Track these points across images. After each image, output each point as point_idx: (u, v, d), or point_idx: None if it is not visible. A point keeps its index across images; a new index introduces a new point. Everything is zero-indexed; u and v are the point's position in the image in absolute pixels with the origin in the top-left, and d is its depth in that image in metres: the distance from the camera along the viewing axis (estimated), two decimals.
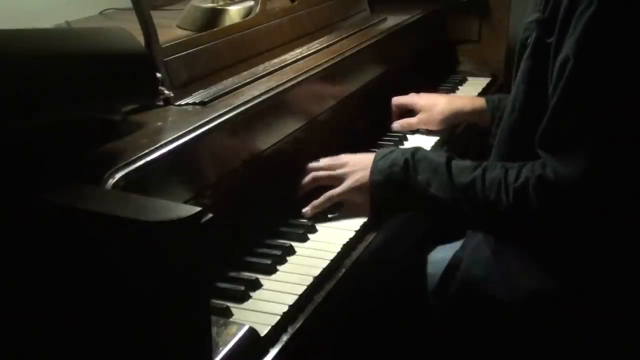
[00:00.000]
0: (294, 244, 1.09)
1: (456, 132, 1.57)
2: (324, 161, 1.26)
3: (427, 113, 1.54)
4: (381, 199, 1.17)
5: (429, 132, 1.54)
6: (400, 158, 1.16)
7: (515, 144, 1.12)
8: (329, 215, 1.18)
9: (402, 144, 1.50)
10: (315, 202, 1.19)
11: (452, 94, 1.83)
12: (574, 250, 1.03)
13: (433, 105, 1.54)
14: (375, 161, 1.18)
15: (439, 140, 1.51)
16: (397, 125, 1.55)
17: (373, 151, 1.45)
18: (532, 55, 1.07)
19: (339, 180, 1.21)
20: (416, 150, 1.17)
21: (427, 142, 1.50)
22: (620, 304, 1.04)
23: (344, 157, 1.25)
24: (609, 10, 0.94)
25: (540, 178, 0.98)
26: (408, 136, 1.54)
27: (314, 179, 1.23)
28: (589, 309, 1.05)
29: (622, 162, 0.95)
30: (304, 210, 1.18)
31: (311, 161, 1.27)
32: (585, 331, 1.06)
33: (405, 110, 1.59)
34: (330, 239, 1.12)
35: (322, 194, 1.21)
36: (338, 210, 1.20)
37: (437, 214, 1.17)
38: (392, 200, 1.17)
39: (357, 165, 1.21)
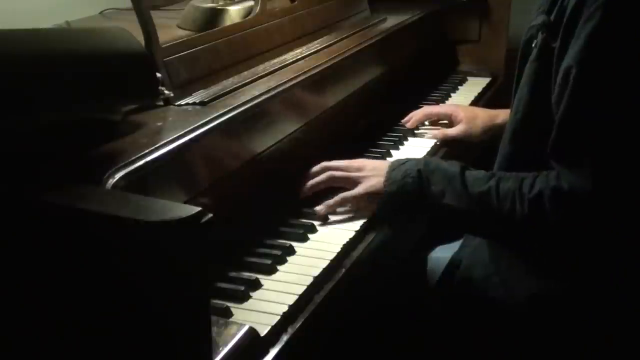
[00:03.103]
0: (294, 244, 1.09)
1: (449, 144, 1.54)
2: (339, 162, 1.26)
3: (467, 125, 1.51)
4: (395, 208, 1.17)
5: (420, 142, 1.53)
6: (413, 169, 1.15)
7: (518, 144, 1.12)
8: (329, 216, 1.18)
9: (402, 144, 1.50)
10: (330, 202, 1.18)
11: (452, 96, 1.83)
12: (581, 255, 1.04)
13: (474, 117, 1.52)
14: (388, 172, 1.17)
15: (429, 152, 1.48)
16: (430, 135, 1.53)
17: (374, 151, 1.46)
18: (538, 58, 1.07)
19: (354, 182, 1.21)
20: (429, 160, 1.16)
21: (425, 144, 1.49)
22: (622, 307, 1.04)
23: (361, 162, 1.25)
24: (613, 20, 0.94)
25: (554, 189, 0.99)
26: (408, 137, 1.53)
27: (331, 178, 1.23)
28: (589, 312, 1.05)
29: (633, 171, 0.96)
30: (317, 208, 1.18)
31: (311, 161, 1.27)
32: (586, 334, 1.06)
33: (428, 119, 1.58)
34: (330, 239, 1.12)
35: (322, 195, 1.21)
36: (339, 209, 1.20)
37: (451, 223, 1.17)
38: (406, 209, 1.17)
39: (373, 171, 1.21)
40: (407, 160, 1.20)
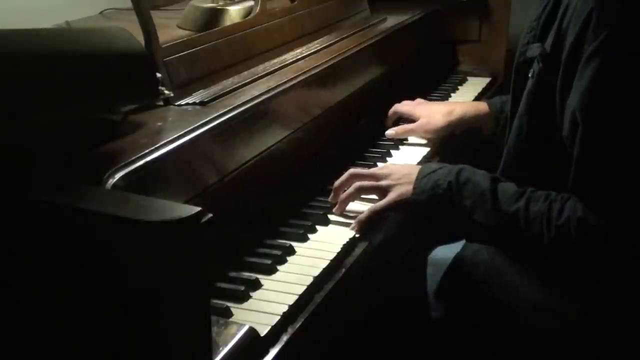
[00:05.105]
0: (294, 244, 1.09)
1: (448, 142, 1.54)
2: (366, 170, 1.23)
3: (426, 119, 1.50)
4: (423, 218, 1.15)
5: (421, 141, 1.52)
6: (444, 179, 1.11)
7: (525, 170, 1.11)
8: (329, 215, 1.18)
9: (402, 144, 1.50)
10: (361, 217, 1.15)
11: (452, 96, 1.83)
12: (599, 278, 1.03)
13: (432, 113, 1.51)
14: (418, 179, 1.14)
15: (429, 151, 1.47)
16: (392, 132, 1.51)
17: (374, 151, 1.45)
18: (536, 90, 1.06)
19: (383, 191, 1.18)
20: (461, 170, 1.13)
21: (419, 152, 1.47)
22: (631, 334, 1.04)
23: (389, 167, 1.22)
24: (616, 59, 0.93)
25: (580, 220, 0.98)
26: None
27: (359, 189, 1.19)
28: (595, 330, 1.05)
29: None
30: (351, 227, 1.15)
31: (310, 160, 1.27)
32: (587, 342, 1.06)
33: (401, 118, 1.57)
34: (330, 239, 1.12)
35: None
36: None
37: (479, 238, 1.15)
38: (434, 219, 1.15)
39: (401, 179, 1.17)
40: (439, 167, 1.16)
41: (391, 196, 1.16)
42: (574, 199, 1.01)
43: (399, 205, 1.16)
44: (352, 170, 1.22)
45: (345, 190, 1.21)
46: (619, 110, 0.95)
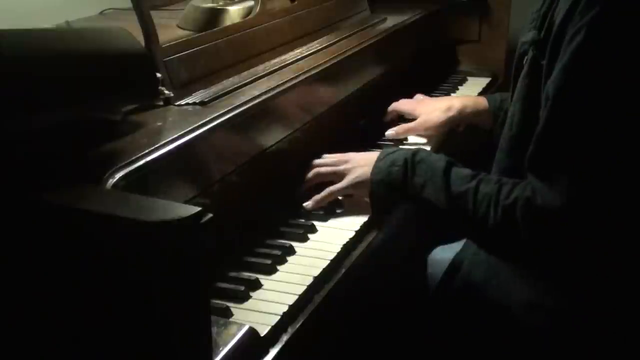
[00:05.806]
0: (294, 244, 1.09)
1: (448, 140, 1.54)
2: (328, 157, 1.27)
3: (425, 117, 1.51)
4: (380, 196, 1.18)
5: (424, 137, 1.52)
6: (400, 158, 1.16)
7: (514, 159, 1.11)
8: (329, 215, 1.18)
9: (402, 144, 1.50)
10: (317, 197, 1.19)
11: (452, 95, 1.83)
12: (565, 268, 1.04)
13: (431, 110, 1.52)
14: (377, 161, 1.19)
15: (433, 146, 1.48)
16: (392, 132, 1.50)
17: (377, 150, 1.45)
18: (528, 75, 1.07)
19: (341, 176, 1.22)
20: (417, 151, 1.17)
21: (426, 142, 1.49)
22: (614, 326, 1.04)
23: (348, 155, 1.26)
24: (596, 41, 0.94)
25: (527, 200, 0.98)
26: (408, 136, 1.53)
27: (317, 175, 1.24)
28: (583, 327, 1.05)
29: (606, 190, 0.95)
30: (305, 204, 1.19)
31: (310, 160, 1.27)
32: (583, 344, 1.06)
33: (400, 117, 1.58)
34: (330, 239, 1.12)
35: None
36: (338, 209, 1.20)
37: (430, 216, 1.17)
38: (389, 198, 1.18)
39: (359, 162, 1.22)
40: (397, 149, 1.21)
41: (348, 178, 1.21)
42: (525, 182, 1.01)
43: (356, 185, 1.20)
44: (315, 161, 1.27)
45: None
46: (591, 89, 0.95)
